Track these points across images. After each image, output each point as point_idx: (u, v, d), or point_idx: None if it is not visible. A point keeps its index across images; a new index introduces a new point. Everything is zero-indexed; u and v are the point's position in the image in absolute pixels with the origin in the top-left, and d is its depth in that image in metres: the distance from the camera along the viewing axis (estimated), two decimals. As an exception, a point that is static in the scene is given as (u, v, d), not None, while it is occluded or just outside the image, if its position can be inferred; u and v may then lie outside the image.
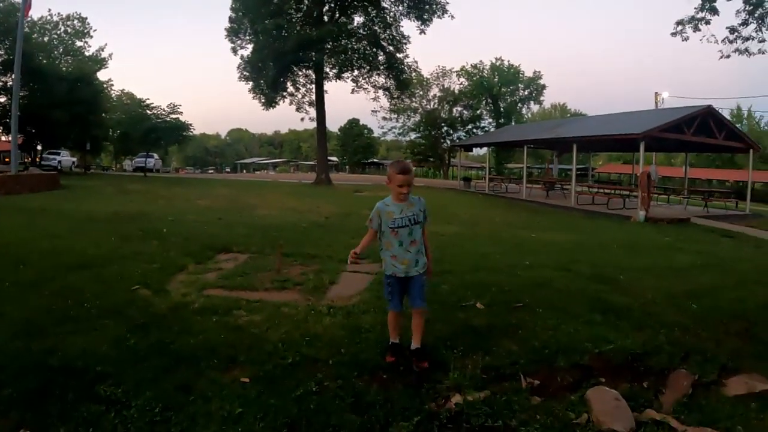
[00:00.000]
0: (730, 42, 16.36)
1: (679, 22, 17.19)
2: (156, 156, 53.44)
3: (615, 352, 4.68)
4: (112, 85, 48.15)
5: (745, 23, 15.97)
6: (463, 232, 11.96)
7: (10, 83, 33.60)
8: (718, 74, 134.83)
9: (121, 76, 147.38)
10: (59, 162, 42.69)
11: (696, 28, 16.85)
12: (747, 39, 16.04)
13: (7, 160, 51.95)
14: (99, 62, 45.03)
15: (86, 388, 3.71)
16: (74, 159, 50.86)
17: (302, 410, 3.52)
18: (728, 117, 67.56)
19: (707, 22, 16.59)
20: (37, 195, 18.14)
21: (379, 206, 4.12)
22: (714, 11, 16.33)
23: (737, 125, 67.37)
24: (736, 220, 19.60)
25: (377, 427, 3.45)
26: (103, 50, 46.25)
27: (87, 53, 45.59)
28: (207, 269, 7.14)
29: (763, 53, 16.00)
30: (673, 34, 17.10)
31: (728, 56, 16.43)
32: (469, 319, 5.09)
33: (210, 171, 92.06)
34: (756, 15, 15.54)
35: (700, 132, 20.74)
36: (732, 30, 16.24)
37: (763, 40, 15.65)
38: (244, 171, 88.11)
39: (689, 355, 4.87)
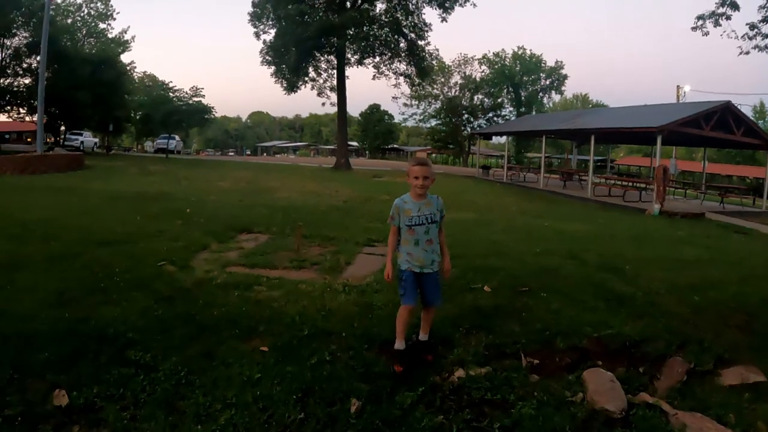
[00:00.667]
0: (750, 38, 16.30)
1: (699, 17, 17.14)
2: (177, 138, 53.96)
3: (613, 337, 4.89)
4: (135, 67, 48.94)
5: (765, 20, 15.90)
6: (477, 219, 12.16)
7: (34, 65, 34.38)
8: (743, 69, 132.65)
9: (142, 57, 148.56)
10: (81, 142, 43.41)
11: (716, 23, 16.79)
12: (767, 36, 15.99)
13: (29, 140, 52.99)
14: (122, 44, 45.66)
15: (117, 353, 4.05)
16: (96, 139, 51.61)
17: (316, 377, 3.84)
18: (751, 113, 66.87)
19: (728, 18, 16.51)
20: (62, 175, 18.64)
21: (397, 203, 4.14)
22: (734, 7, 16.25)
23: (760, 122, 66.63)
24: (752, 216, 19.44)
25: (384, 395, 3.74)
26: (126, 32, 46.92)
27: (110, 35, 46.26)
28: (229, 248, 7.45)
29: (784, 50, 15.94)
30: (694, 29, 17.06)
31: (747, 53, 16.35)
32: (476, 301, 5.34)
33: (230, 153, 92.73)
34: (779, 12, 15.46)
35: (719, 127, 20.67)
36: (752, 26, 16.19)
37: (784, 38, 15.59)
38: (264, 154, 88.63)
39: (686, 344, 5.06)
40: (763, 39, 16.21)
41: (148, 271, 5.91)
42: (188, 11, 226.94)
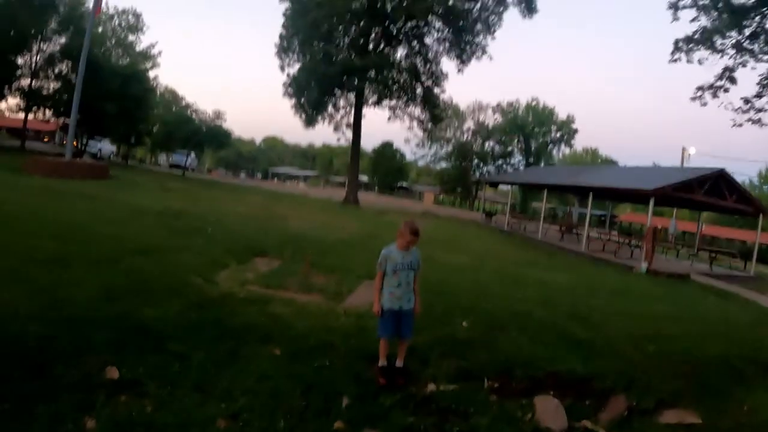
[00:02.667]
0: (744, 111, 17.27)
1: (699, 88, 18.21)
2: (193, 155, 55.12)
3: (565, 373, 5.79)
4: (160, 83, 50.49)
5: (759, 95, 16.92)
6: (470, 263, 13.03)
7: (65, 70, 35.66)
8: (751, 134, 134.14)
9: (162, 71, 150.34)
10: (99, 150, 44.39)
11: (714, 95, 17.84)
12: (760, 110, 16.96)
13: (46, 139, 54.17)
14: (149, 58, 47.13)
15: (158, 344, 4.97)
16: (113, 148, 52.73)
17: (318, 377, 4.81)
18: (756, 179, 67.72)
19: (726, 90, 17.57)
20: (88, 182, 19.51)
21: (384, 253, 5.18)
22: (733, 81, 17.32)
23: (765, 187, 67.40)
24: (738, 280, 19.92)
25: (370, 396, 4.70)
26: (153, 47, 48.42)
27: (137, 48, 47.75)
28: (246, 269, 8.43)
29: (776, 124, 16.89)
30: (693, 99, 18.14)
31: (741, 125, 17.34)
32: (453, 333, 6.26)
33: (241, 176, 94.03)
34: (771, 89, 16.52)
35: (712, 193, 21.36)
36: (746, 101, 17.17)
37: (776, 113, 16.56)
38: (275, 179, 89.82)
39: (632, 385, 5.92)
40: (756, 113, 17.22)
41: (178, 281, 6.86)
42: (211, 29, 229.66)
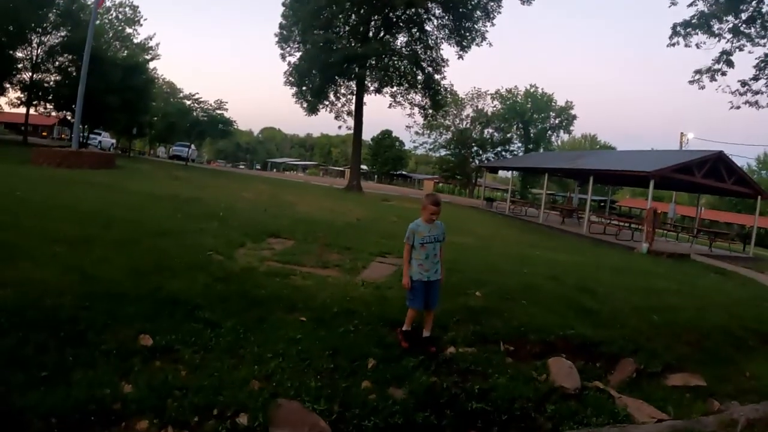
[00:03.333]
0: (741, 94, 17.55)
1: (697, 71, 18.46)
2: (193, 146, 55.06)
3: (576, 337, 6.07)
4: (160, 75, 50.48)
5: (756, 78, 17.18)
6: (477, 244, 13.29)
7: (66, 63, 35.63)
8: (752, 119, 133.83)
9: (160, 63, 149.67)
10: (99, 142, 44.41)
11: (712, 78, 18.10)
12: (757, 93, 17.23)
13: (44, 133, 54.16)
14: (146, 50, 47.00)
15: (188, 313, 5.20)
16: (113, 141, 52.68)
17: (343, 341, 5.08)
18: (755, 163, 67.96)
19: (723, 74, 17.83)
20: (96, 172, 19.63)
21: (412, 227, 5.44)
22: (730, 64, 17.57)
23: (764, 171, 67.67)
24: (738, 261, 20.21)
25: (393, 358, 4.96)
26: (151, 39, 48.33)
27: (135, 41, 47.63)
28: (262, 248, 8.68)
29: (774, 106, 17.18)
30: (691, 82, 18.43)
31: (738, 107, 17.63)
32: (468, 302, 6.54)
33: (241, 166, 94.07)
34: (767, 72, 16.78)
35: (710, 175, 21.64)
36: (743, 83, 17.44)
37: (773, 94, 16.84)
38: (275, 170, 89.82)
39: (639, 350, 6.20)
40: (753, 95, 17.48)
41: (200, 258, 7.11)
42: (208, 21, 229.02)
